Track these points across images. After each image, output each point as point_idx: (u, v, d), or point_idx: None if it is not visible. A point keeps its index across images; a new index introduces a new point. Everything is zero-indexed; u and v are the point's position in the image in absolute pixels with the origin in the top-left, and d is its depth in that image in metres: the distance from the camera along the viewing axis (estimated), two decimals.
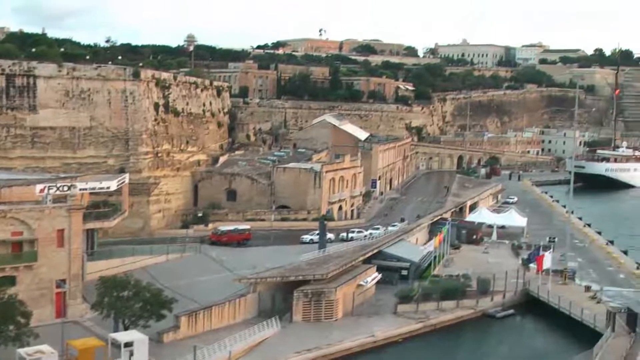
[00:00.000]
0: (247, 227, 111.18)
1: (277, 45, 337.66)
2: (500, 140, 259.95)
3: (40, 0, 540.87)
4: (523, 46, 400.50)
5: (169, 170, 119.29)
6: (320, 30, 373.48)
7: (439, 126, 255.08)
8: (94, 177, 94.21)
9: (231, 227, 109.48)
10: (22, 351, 56.35)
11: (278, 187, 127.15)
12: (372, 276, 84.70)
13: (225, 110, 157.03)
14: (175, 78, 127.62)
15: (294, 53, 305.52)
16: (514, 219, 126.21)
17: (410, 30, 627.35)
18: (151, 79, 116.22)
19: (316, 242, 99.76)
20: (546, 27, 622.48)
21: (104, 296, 65.23)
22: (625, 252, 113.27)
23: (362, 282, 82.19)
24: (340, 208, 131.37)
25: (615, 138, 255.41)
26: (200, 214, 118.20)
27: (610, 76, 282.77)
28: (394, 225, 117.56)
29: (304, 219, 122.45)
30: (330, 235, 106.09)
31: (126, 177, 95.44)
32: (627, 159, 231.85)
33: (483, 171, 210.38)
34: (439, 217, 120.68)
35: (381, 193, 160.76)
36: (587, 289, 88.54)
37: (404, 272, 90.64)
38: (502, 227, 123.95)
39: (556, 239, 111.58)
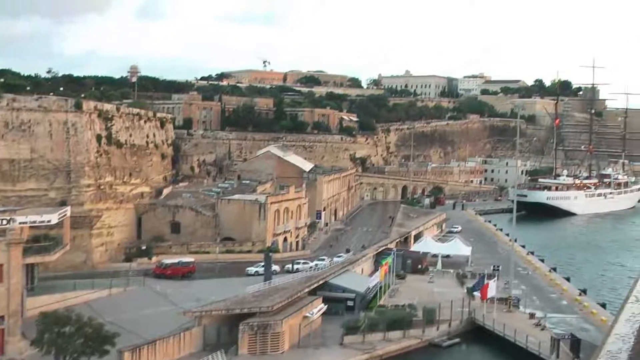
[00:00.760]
0: (192, 259, 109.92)
1: (221, 76, 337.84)
2: (443, 170, 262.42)
3: None
4: (465, 77, 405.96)
5: (112, 202, 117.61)
6: (264, 62, 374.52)
7: (383, 156, 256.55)
8: (35, 210, 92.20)
9: (175, 260, 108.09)
10: None
11: (223, 219, 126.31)
12: (318, 307, 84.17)
13: (169, 141, 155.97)
14: (118, 109, 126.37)
15: (238, 84, 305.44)
16: (459, 248, 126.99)
17: (354, 62, 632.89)
18: (93, 110, 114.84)
19: (262, 274, 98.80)
20: (487, 58, 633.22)
21: (45, 332, 63.59)
22: (568, 279, 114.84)
23: (308, 314, 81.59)
24: (285, 239, 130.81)
25: (556, 167, 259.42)
26: (143, 247, 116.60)
27: (550, 106, 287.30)
28: (339, 256, 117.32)
29: (249, 251, 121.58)
30: (275, 267, 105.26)
31: (68, 210, 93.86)
32: (568, 187, 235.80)
33: (427, 201, 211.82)
34: (384, 247, 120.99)
35: (326, 224, 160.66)
36: (532, 316, 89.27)
37: (350, 303, 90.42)
38: (447, 256, 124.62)
39: (500, 267, 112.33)
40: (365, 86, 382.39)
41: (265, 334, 74.58)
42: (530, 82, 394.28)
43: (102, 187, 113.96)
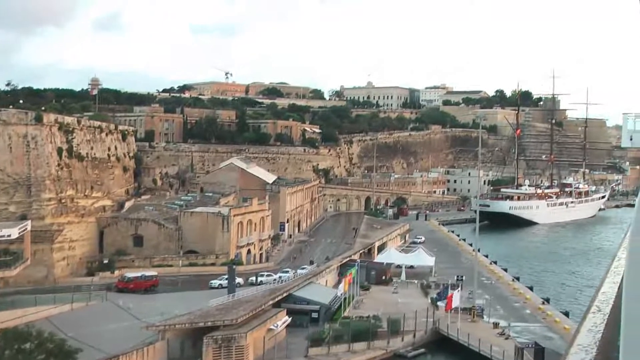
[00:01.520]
0: (155, 273, 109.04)
1: (184, 88, 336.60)
2: (406, 181, 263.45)
3: None
4: (427, 88, 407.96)
5: (73, 216, 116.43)
6: (226, 74, 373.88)
7: (346, 168, 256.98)
8: None
9: (138, 274, 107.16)
10: None
11: (186, 232, 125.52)
12: (282, 320, 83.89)
13: (131, 154, 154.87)
14: (79, 122, 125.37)
15: (200, 96, 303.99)
16: (422, 258, 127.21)
17: (316, 73, 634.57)
18: (54, 123, 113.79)
19: (225, 287, 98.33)
20: (449, 69, 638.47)
21: (4, 350, 62.43)
22: (531, 288, 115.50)
23: (272, 326, 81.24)
24: (249, 252, 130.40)
25: (517, 176, 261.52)
26: (106, 261, 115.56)
27: (512, 116, 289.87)
28: (303, 268, 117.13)
29: (213, 264, 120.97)
30: (239, 280, 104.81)
31: (28, 224, 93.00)
32: (530, 196, 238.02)
33: (390, 212, 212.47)
34: (348, 258, 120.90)
35: (290, 236, 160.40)
36: (496, 325, 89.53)
37: (315, 315, 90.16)
38: (411, 266, 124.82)
39: (464, 277, 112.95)
40: (327, 97, 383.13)
41: (229, 347, 74.06)
42: (491, 93, 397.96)
43: (63, 200, 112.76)
